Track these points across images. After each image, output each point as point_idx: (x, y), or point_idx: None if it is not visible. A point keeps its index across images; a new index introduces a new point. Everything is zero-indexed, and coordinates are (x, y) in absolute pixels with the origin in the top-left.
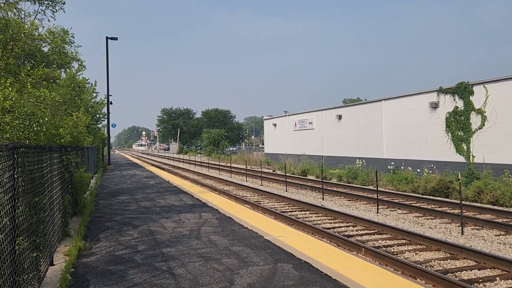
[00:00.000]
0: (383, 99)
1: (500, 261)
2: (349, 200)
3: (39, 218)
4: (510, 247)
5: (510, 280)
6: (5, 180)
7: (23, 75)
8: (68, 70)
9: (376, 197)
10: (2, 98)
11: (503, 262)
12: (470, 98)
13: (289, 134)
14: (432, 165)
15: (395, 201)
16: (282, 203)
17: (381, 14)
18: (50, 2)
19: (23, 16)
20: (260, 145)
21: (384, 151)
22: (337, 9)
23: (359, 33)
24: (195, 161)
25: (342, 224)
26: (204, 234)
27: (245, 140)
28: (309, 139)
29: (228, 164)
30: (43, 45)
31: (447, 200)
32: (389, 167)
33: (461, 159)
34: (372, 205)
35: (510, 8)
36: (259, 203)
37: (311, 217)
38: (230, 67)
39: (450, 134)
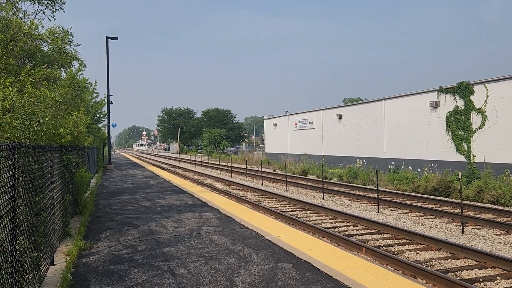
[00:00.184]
0: (384, 99)
1: (500, 261)
2: (349, 200)
3: (40, 218)
4: (511, 246)
5: (510, 280)
6: (5, 179)
7: (23, 74)
8: (68, 69)
9: (376, 196)
10: (2, 98)
11: (503, 261)
12: (471, 98)
13: (289, 133)
14: (432, 165)
15: (396, 200)
16: (283, 203)
17: (382, 14)
18: (50, 2)
19: (22, 15)
20: (260, 145)
21: (384, 150)
22: (337, 9)
23: (359, 33)
24: (195, 160)
25: (342, 224)
26: (204, 234)
27: (246, 140)
28: (310, 139)
29: (229, 164)
30: (43, 45)
31: (448, 199)
32: (389, 166)
33: (461, 158)
34: (373, 204)
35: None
36: (260, 203)
37: (312, 216)
38: (230, 67)
39: (450, 134)
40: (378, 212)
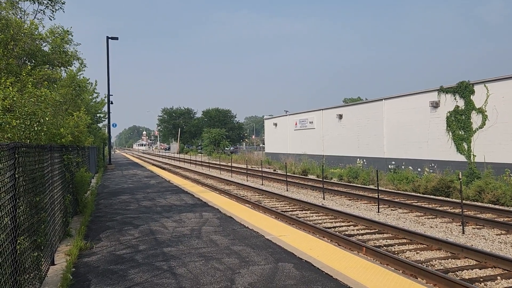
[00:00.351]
0: (384, 99)
1: (501, 260)
2: (350, 200)
3: (40, 217)
4: (511, 246)
5: (511, 280)
6: (6, 179)
7: (24, 74)
8: (68, 69)
9: (377, 196)
10: (3, 97)
11: (504, 261)
12: (471, 97)
13: (289, 133)
14: (433, 165)
15: (396, 200)
16: (283, 203)
17: (382, 14)
18: (50, 2)
19: (22, 15)
20: (260, 145)
21: (384, 150)
22: (337, 9)
23: (359, 33)
24: (195, 160)
25: (343, 224)
26: (205, 234)
27: (246, 140)
28: (310, 139)
29: (229, 164)
30: (44, 44)
31: (448, 199)
32: (389, 166)
33: (462, 158)
34: (373, 204)
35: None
36: (260, 203)
37: (312, 216)
38: (230, 67)
39: (451, 134)
40: (378, 212)
